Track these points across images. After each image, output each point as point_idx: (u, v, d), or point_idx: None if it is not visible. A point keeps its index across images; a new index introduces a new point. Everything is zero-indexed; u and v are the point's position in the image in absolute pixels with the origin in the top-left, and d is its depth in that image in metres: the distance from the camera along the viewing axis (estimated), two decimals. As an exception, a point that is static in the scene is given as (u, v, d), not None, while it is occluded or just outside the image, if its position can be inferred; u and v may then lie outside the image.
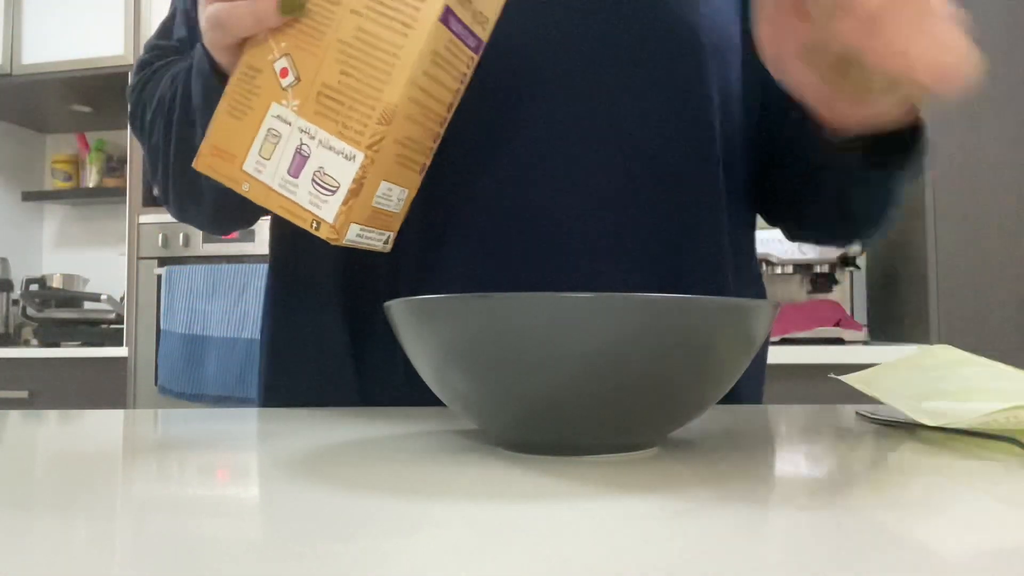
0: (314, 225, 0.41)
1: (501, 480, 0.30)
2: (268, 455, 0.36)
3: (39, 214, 3.02)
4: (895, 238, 2.08)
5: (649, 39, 0.58)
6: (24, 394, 2.35)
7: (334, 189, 0.41)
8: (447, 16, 0.40)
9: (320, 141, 0.41)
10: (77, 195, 2.82)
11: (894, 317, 2.09)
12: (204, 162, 0.44)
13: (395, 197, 0.44)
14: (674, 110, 0.58)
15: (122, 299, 2.44)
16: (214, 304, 2.22)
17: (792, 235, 0.70)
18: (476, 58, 0.45)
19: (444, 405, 0.55)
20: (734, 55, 0.62)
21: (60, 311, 2.54)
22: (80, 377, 2.33)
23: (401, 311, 0.34)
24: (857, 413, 0.49)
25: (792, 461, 0.34)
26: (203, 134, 0.52)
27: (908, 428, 0.43)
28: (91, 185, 2.81)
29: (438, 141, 0.46)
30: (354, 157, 0.41)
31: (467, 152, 0.55)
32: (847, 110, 0.48)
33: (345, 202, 0.41)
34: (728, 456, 0.35)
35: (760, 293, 0.68)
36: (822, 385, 1.77)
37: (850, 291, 2.13)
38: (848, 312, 2.02)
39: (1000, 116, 1.85)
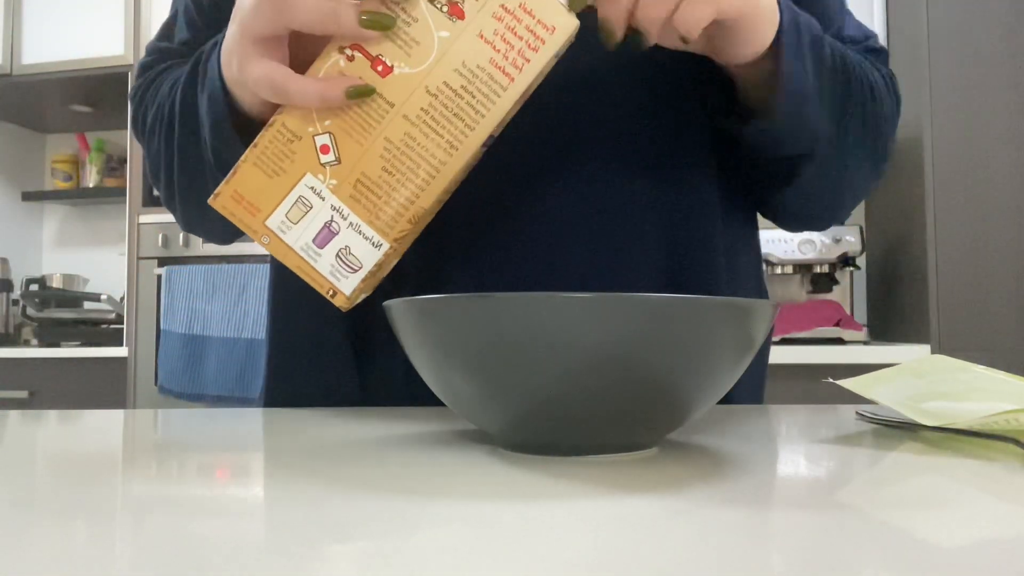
0: (330, 293, 0.44)
1: (501, 480, 0.30)
2: (268, 455, 0.36)
3: (39, 214, 3.02)
4: (895, 238, 2.08)
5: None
6: (24, 394, 2.35)
7: (357, 268, 0.44)
8: (488, 139, 0.44)
9: (351, 224, 0.44)
10: (77, 195, 2.82)
11: (894, 317, 2.09)
12: (222, 203, 0.45)
13: (391, 264, 0.47)
14: (670, 115, 0.58)
15: (122, 299, 2.44)
16: (214, 304, 2.22)
17: (778, 222, 0.69)
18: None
19: (444, 405, 0.55)
20: None
21: (60, 311, 2.54)
22: (80, 377, 2.33)
23: (401, 311, 0.34)
24: (857, 413, 0.49)
25: (792, 461, 0.34)
26: (214, 160, 0.52)
27: (908, 428, 0.43)
28: (91, 185, 2.81)
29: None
30: (380, 245, 0.44)
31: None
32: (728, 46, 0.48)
33: (364, 280, 0.44)
34: (728, 456, 0.35)
35: (761, 293, 0.68)
36: (822, 385, 1.77)
37: (850, 291, 2.14)
38: (848, 312, 2.02)
39: (1000, 116, 1.85)
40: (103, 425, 0.47)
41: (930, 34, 1.89)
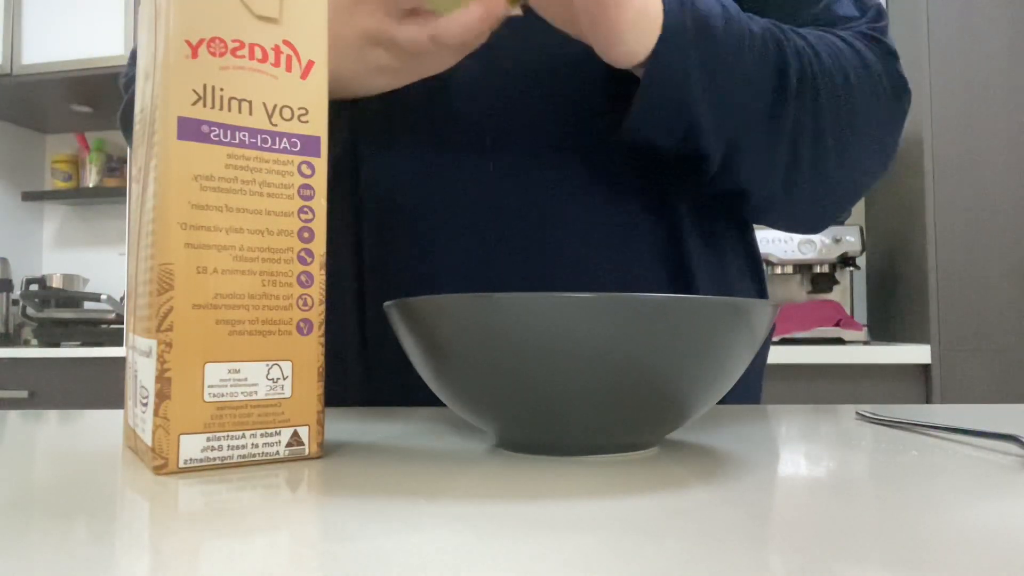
0: (150, 458, 0.31)
1: (501, 480, 0.30)
2: (268, 455, 0.36)
3: (39, 214, 3.02)
4: (895, 238, 2.08)
5: None
6: (24, 394, 2.35)
7: (147, 401, 0.31)
8: (189, 130, 0.31)
9: (138, 350, 0.33)
10: (77, 195, 2.83)
11: (894, 317, 2.09)
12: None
13: (260, 379, 0.32)
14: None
15: (122, 299, 2.44)
16: (214, 304, 2.22)
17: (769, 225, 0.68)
18: (316, 160, 0.35)
19: (444, 405, 0.55)
20: None
21: (60, 311, 2.54)
22: (80, 377, 2.34)
23: (401, 311, 0.34)
24: (857, 413, 0.49)
25: (792, 461, 0.34)
26: None
27: (908, 428, 0.43)
28: (91, 185, 2.81)
29: (314, 284, 0.34)
30: (150, 351, 0.31)
31: (461, 154, 0.55)
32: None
33: (156, 412, 0.30)
34: (728, 456, 0.35)
35: (761, 294, 0.68)
36: (822, 385, 1.77)
37: (850, 291, 2.14)
38: (848, 312, 2.02)
39: (1000, 116, 1.85)
40: (103, 425, 0.47)
41: (930, 34, 1.89)
